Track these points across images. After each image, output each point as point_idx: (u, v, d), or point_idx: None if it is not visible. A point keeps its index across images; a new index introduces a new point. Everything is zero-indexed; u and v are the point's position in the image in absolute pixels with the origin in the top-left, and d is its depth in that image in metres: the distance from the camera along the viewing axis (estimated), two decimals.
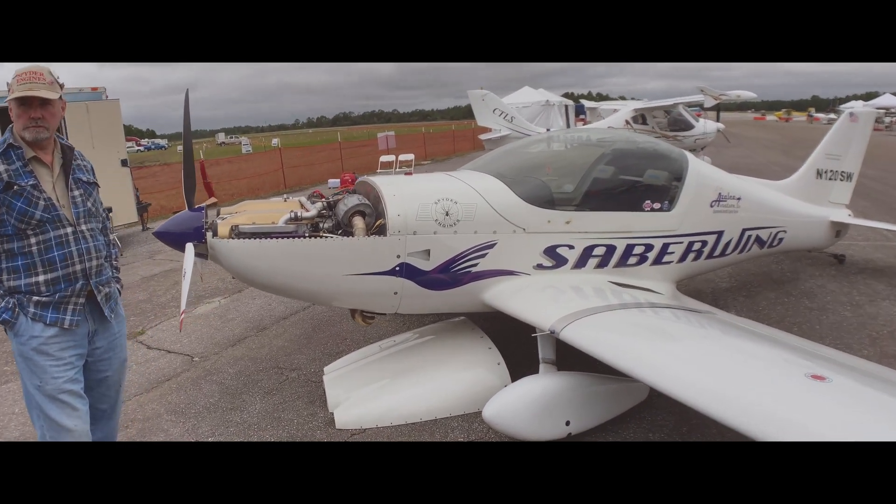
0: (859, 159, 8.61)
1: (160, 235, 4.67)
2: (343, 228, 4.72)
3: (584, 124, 29.72)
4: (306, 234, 4.62)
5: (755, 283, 8.35)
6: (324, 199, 4.97)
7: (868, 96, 74.41)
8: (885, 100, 65.55)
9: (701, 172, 6.01)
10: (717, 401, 3.17)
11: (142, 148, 74.39)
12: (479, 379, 4.94)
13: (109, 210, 11.94)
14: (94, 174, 3.62)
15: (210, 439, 4.82)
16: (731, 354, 3.98)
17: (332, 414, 4.90)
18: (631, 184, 5.89)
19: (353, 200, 4.76)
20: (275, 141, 45.63)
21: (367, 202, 4.78)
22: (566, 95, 39.41)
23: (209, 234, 4.52)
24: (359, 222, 4.66)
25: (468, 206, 4.88)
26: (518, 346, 4.80)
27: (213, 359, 6.38)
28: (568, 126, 27.58)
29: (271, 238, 4.53)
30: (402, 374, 5.12)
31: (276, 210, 4.84)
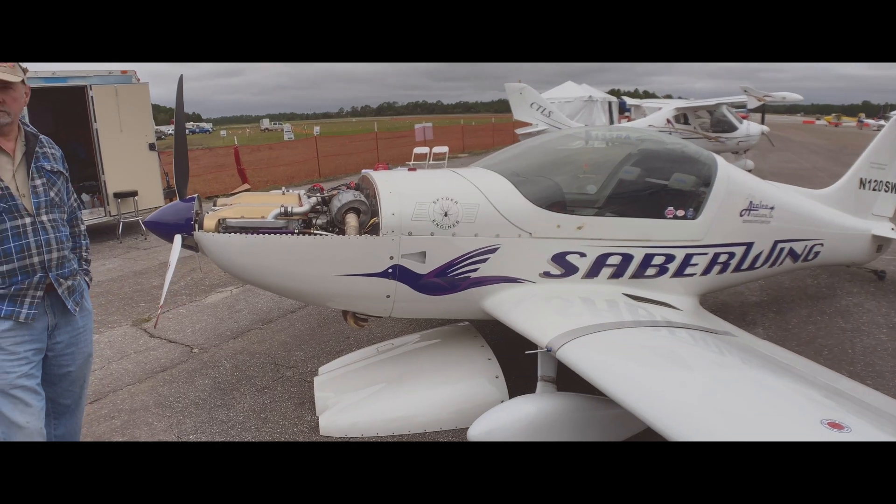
0: None
1: (150, 226, 4.52)
2: (336, 226, 4.47)
3: (628, 121, 29.05)
4: (296, 231, 4.37)
5: (787, 297, 7.88)
6: (320, 194, 4.70)
7: None
8: None
9: (731, 178, 5.59)
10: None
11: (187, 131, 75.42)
12: (475, 392, 4.65)
13: (134, 194, 11.97)
14: (62, 163, 3.44)
15: (191, 436, 4.69)
16: (742, 389, 3.58)
17: (318, 419, 4.67)
18: (654, 188, 5.49)
19: (347, 196, 4.48)
20: (316, 129, 45.78)
21: (362, 199, 4.50)
22: (611, 92, 38.74)
23: (196, 227, 4.31)
24: (352, 220, 4.39)
25: (469, 206, 4.56)
26: (524, 357, 4.48)
27: (213, 351, 6.24)
28: (611, 123, 27.03)
29: (258, 233, 4.29)
30: (396, 381, 4.86)
31: (270, 203, 4.59)
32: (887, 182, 7.89)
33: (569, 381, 4.17)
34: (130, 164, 12.01)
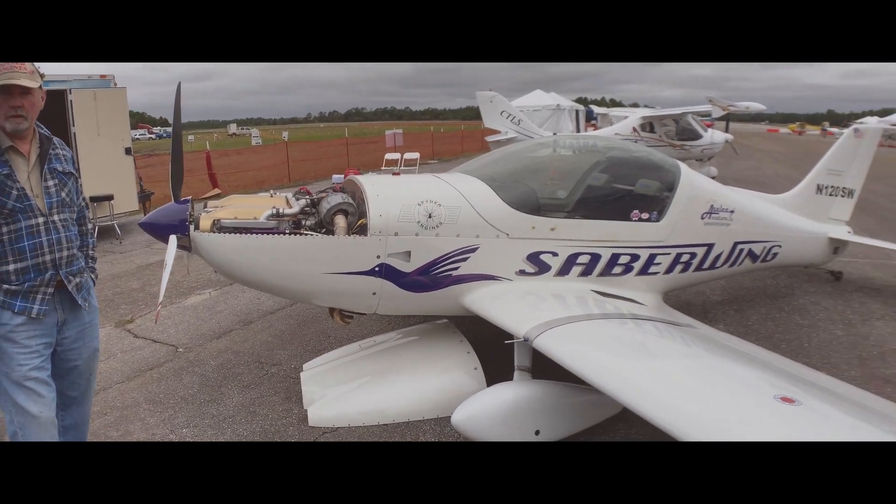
0: (862, 176, 8.50)
1: (145, 226, 4.70)
2: (325, 227, 4.71)
3: (594, 129, 29.57)
4: (287, 231, 4.60)
5: (747, 296, 8.28)
6: (308, 197, 4.95)
7: (884, 112, 73.98)
8: None
9: (694, 184, 5.95)
10: (676, 418, 3.13)
11: (154, 136, 74.57)
12: (454, 383, 4.92)
13: (110, 198, 12.02)
14: (72, 164, 3.60)
15: (184, 430, 4.84)
16: (702, 372, 3.92)
17: (307, 411, 4.89)
18: (621, 193, 5.82)
19: (336, 199, 4.74)
20: (285, 134, 45.72)
21: (350, 201, 4.76)
22: (579, 100, 39.34)
23: (192, 228, 4.52)
24: (340, 221, 4.64)
25: (452, 209, 4.85)
26: (500, 350, 4.76)
27: (197, 350, 6.40)
28: (578, 131, 27.48)
29: (252, 233, 4.52)
30: (379, 374, 5.11)
31: (260, 205, 4.82)
32: (843, 188, 8.33)
33: (544, 369, 4.49)
34: (107, 169, 12.02)
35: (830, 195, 8.30)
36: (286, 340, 6.58)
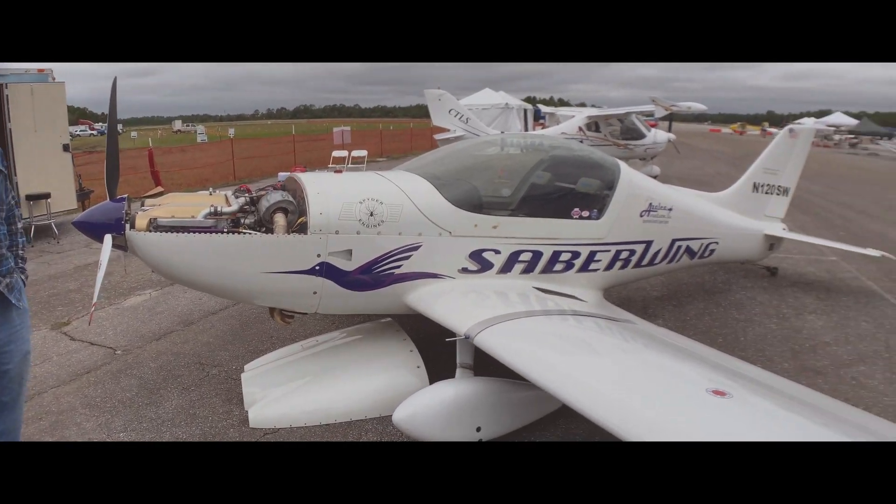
0: (797, 175, 8.79)
1: (79, 226, 4.58)
2: (265, 225, 4.66)
3: (542, 128, 29.87)
4: (225, 230, 4.54)
5: (686, 292, 8.48)
6: (248, 195, 4.89)
7: (821, 114, 76.66)
8: (836, 118, 67.81)
9: (633, 182, 6.07)
10: (611, 414, 3.19)
11: (95, 132, 72.57)
12: (397, 382, 4.92)
13: (47, 196, 11.67)
14: (1, 161, 3.49)
15: (122, 434, 4.74)
16: (638, 366, 4.01)
17: (248, 412, 4.84)
18: (562, 191, 5.90)
19: (275, 197, 4.69)
20: (231, 131, 45.05)
21: (290, 199, 4.71)
22: (528, 99, 39.71)
23: (127, 227, 4.42)
24: (280, 219, 4.60)
25: (394, 206, 4.84)
26: (444, 348, 4.78)
27: (136, 352, 6.26)
28: (526, 130, 27.74)
29: (189, 232, 4.45)
30: (321, 374, 5.08)
31: (199, 203, 4.74)
32: (779, 186, 8.60)
33: (486, 370, 4.52)
34: (44, 166, 11.65)
35: (766, 193, 8.55)
36: (228, 341, 6.49)
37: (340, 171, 5.93)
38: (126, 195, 4.67)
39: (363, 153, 20.79)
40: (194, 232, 4.45)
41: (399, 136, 42.43)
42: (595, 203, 5.76)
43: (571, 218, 5.58)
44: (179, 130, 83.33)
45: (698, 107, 23.08)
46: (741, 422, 3.23)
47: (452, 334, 4.39)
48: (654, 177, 19.92)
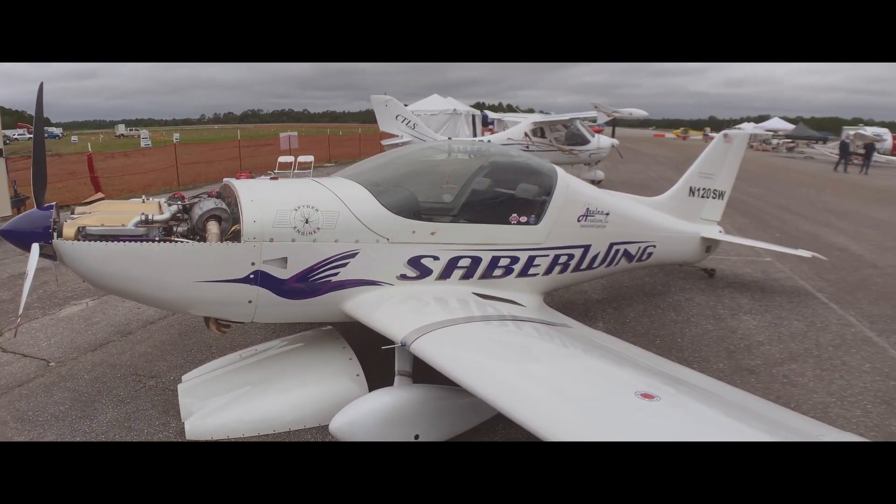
0: (732, 178, 9.02)
1: (5, 234, 4.44)
2: (198, 233, 4.59)
3: (491, 134, 30.09)
4: (157, 238, 4.46)
5: (626, 294, 8.63)
6: (181, 202, 4.81)
7: (760, 119, 78.93)
8: (774, 123, 70.17)
9: (570, 188, 6.15)
10: (534, 414, 3.24)
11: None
12: (336, 391, 4.89)
13: None
14: None
15: None
16: (571, 371, 4.07)
17: (184, 424, 4.76)
18: (501, 197, 5.96)
19: (208, 204, 4.63)
20: (176, 136, 44.23)
21: (223, 206, 4.65)
22: (477, 105, 39.92)
23: (55, 235, 4.31)
24: (213, 227, 4.53)
25: (329, 213, 4.82)
26: (385, 355, 4.76)
27: (70, 364, 6.11)
28: (475, 135, 27.89)
29: (119, 241, 4.35)
30: (259, 384, 5.02)
31: (130, 212, 4.65)
32: (714, 190, 8.82)
33: (427, 376, 4.53)
34: None
35: (702, 197, 8.76)
36: (166, 351, 6.37)
37: (276, 178, 5.87)
38: (54, 203, 4.56)
39: (310, 158, 20.65)
40: (124, 241, 4.36)
41: (348, 141, 42.31)
42: (533, 209, 5.82)
43: (510, 223, 5.64)
44: (123, 135, 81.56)
45: (640, 112, 23.56)
46: (664, 423, 3.31)
47: (392, 342, 4.39)
48: (599, 181, 20.28)
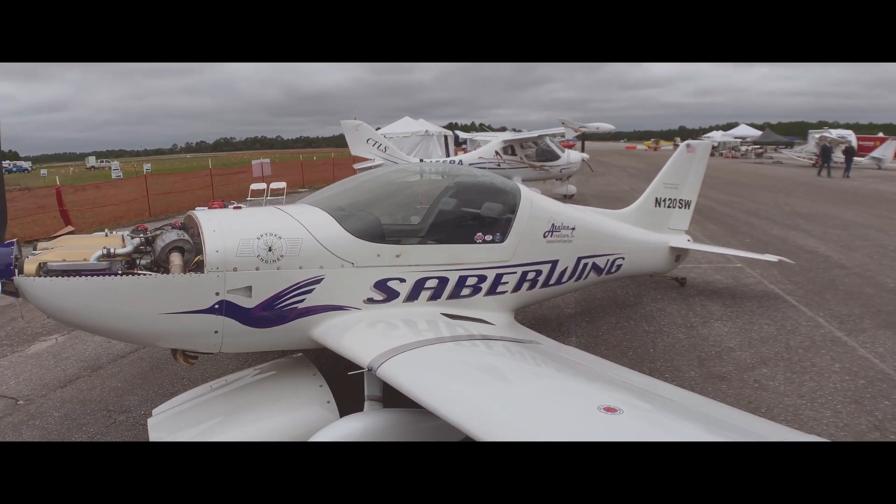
0: (697, 187, 9.15)
1: None
2: (161, 265, 4.57)
3: (464, 153, 30.32)
4: (119, 272, 4.43)
5: (598, 307, 8.69)
6: (143, 234, 4.79)
7: (728, 127, 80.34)
8: (742, 130, 71.55)
9: (534, 204, 6.20)
10: (496, 429, 3.26)
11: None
12: (308, 418, 4.84)
13: None
14: None
15: None
16: (536, 388, 4.09)
17: None
18: (466, 216, 6.00)
19: (171, 236, 4.62)
20: (147, 166, 43.99)
21: (186, 238, 4.64)
22: (449, 126, 40.24)
23: (16, 272, 4.28)
24: (175, 259, 4.52)
25: (292, 240, 4.82)
26: (357, 381, 4.73)
27: (39, 402, 6.04)
28: (448, 156, 28.05)
29: (81, 276, 4.33)
30: (230, 414, 4.96)
31: (93, 246, 4.62)
32: (680, 199, 8.94)
33: (398, 400, 4.51)
34: None
35: (669, 207, 8.87)
36: (137, 385, 6.32)
37: (239, 208, 5.87)
38: (15, 239, 4.52)
39: (282, 185, 20.64)
40: (86, 275, 4.33)
41: (321, 166, 42.42)
42: (498, 227, 5.86)
43: (475, 243, 5.67)
44: (93, 167, 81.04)
45: (607, 126, 23.90)
46: (622, 436, 3.33)
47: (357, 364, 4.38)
48: (571, 196, 20.46)
